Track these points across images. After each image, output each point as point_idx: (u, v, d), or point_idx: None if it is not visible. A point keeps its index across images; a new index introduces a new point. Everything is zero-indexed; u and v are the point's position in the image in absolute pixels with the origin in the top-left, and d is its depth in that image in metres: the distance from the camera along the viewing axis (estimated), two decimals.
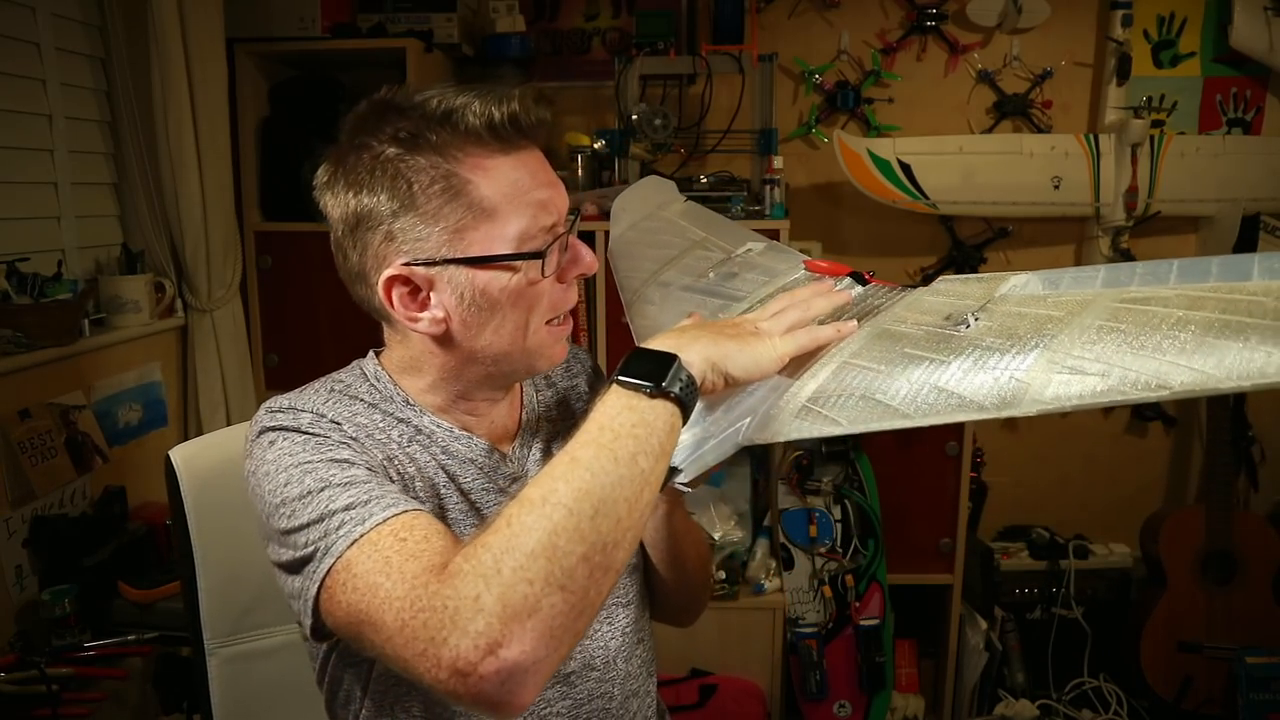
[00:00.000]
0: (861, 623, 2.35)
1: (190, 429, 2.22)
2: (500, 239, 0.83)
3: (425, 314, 0.86)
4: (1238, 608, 2.42)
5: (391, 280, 0.85)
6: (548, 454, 0.98)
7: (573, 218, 0.91)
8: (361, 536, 0.73)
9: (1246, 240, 2.58)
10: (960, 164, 2.57)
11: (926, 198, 2.56)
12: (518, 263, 0.84)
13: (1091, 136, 2.59)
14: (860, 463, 2.37)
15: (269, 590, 1.09)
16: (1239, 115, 2.65)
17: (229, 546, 1.09)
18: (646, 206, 1.28)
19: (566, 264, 0.89)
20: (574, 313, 0.94)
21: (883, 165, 2.55)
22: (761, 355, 0.76)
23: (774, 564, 2.36)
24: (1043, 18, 2.58)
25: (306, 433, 0.83)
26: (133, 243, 2.13)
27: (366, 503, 0.76)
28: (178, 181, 2.06)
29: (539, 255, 0.85)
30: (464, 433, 0.93)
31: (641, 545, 1.04)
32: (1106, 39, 2.60)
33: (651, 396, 0.70)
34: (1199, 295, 0.61)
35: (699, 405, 0.75)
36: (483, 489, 0.93)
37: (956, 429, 2.37)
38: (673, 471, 0.75)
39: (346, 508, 0.75)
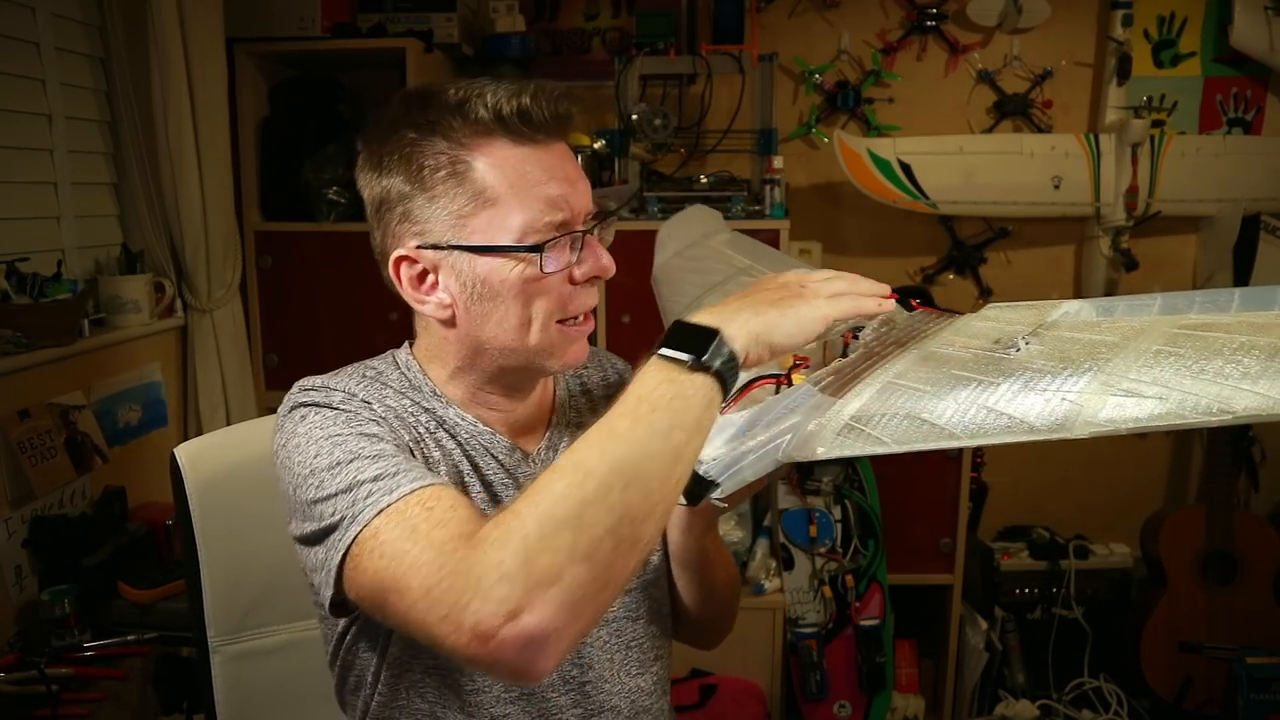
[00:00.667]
0: (861, 623, 2.35)
1: (190, 429, 2.22)
2: (502, 229, 0.84)
3: (432, 298, 0.88)
4: (1238, 608, 2.42)
5: (400, 260, 0.87)
6: None
7: (598, 219, 0.90)
8: (389, 506, 0.74)
9: (1246, 240, 2.58)
10: (960, 164, 2.57)
11: (926, 198, 2.56)
12: (518, 255, 0.84)
13: (1092, 136, 2.59)
14: (860, 463, 2.36)
15: (273, 588, 1.10)
16: (1239, 115, 2.65)
17: (233, 544, 1.10)
18: (691, 236, 1.28)
19: (579, 264, 0.88)
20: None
21: (883, 165, 2.55)
22: (805, 317, 0.75)
23: (774, 564, 2.36)
24: (1043, 18, 2.58)
25: (337, 408, 0.85)
26: (133, 243, 2.13)
27: (395, 474, 0.76)
28: (178, 181, 2.06)
29: (536, 249, 0.84)
30: (486, 429, 0.93)
31: (668, 568, 1.03)
32: (1106, 39, 2.60)
33: (692, 370, 0.69)
34: (1263, 322, 0.60)
35: (737, 421, 0.75)
36: (504, 483, 0.93)
37: None
38: (709, 486, 0.74)
39: (375, 478, 0.76)
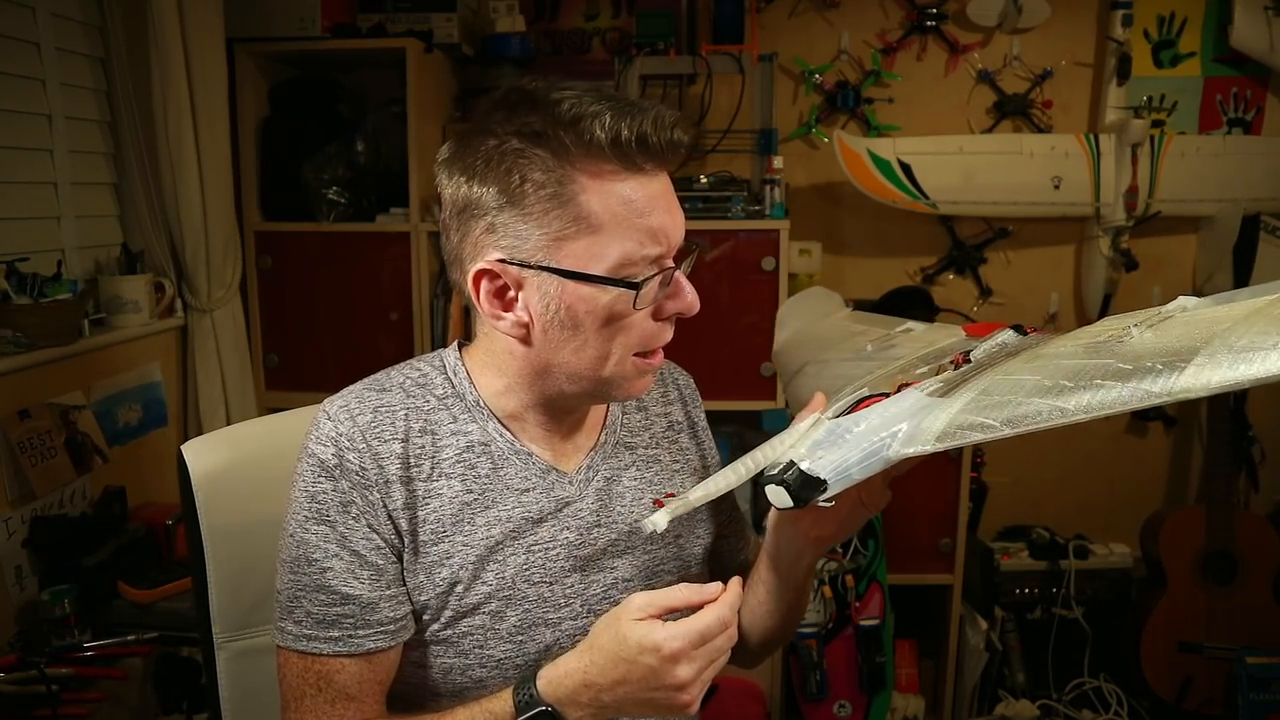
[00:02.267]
0: (861, 623, 2.35)
1: (190, 429, 2.22)
2: (599, 258, 0.80)
3: (509, 315, 0.85)
4: (1238, 608, 2.41)
5: (482, 273, 0.84)
6: (613, 484, 0.95)
7: (693, 252, 0.88)
8: (304, 651, 0.86)
9: (1246, 240, 2.58)
10: (960, 164, 2.57)
11: (926, 198, 2.56)
12: (610, 288, 0.81)
13: (1091, 136, 2.59)
14: None
15: None
16: (1239, 115, 2.65)
17: (239, 541, 1.10)
18: (811, 316, 1.29)
19: (665, 299, 0.85)
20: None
21: (883, 165, 2.54)
22: (671, 716, 0.82)
23: None
24: (1043, 18, 2.58)
25: (313, 491, 0.87)
26: (133, 243, 2.13)
27: (321, 621, 0.86)
28: (178, 181, 2.06)
29: (634, 286, 0.81)
30: (524, 447, 0.91)
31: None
32: (1106, 39, 2.60)
33: None
34: None
35: (845, 424, 0.76)
36: (533, 518, 0.91)
37: None
38: (817, 486, 0.74)
39: (308, 613, 0.86)
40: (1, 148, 1.79)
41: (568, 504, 0.92)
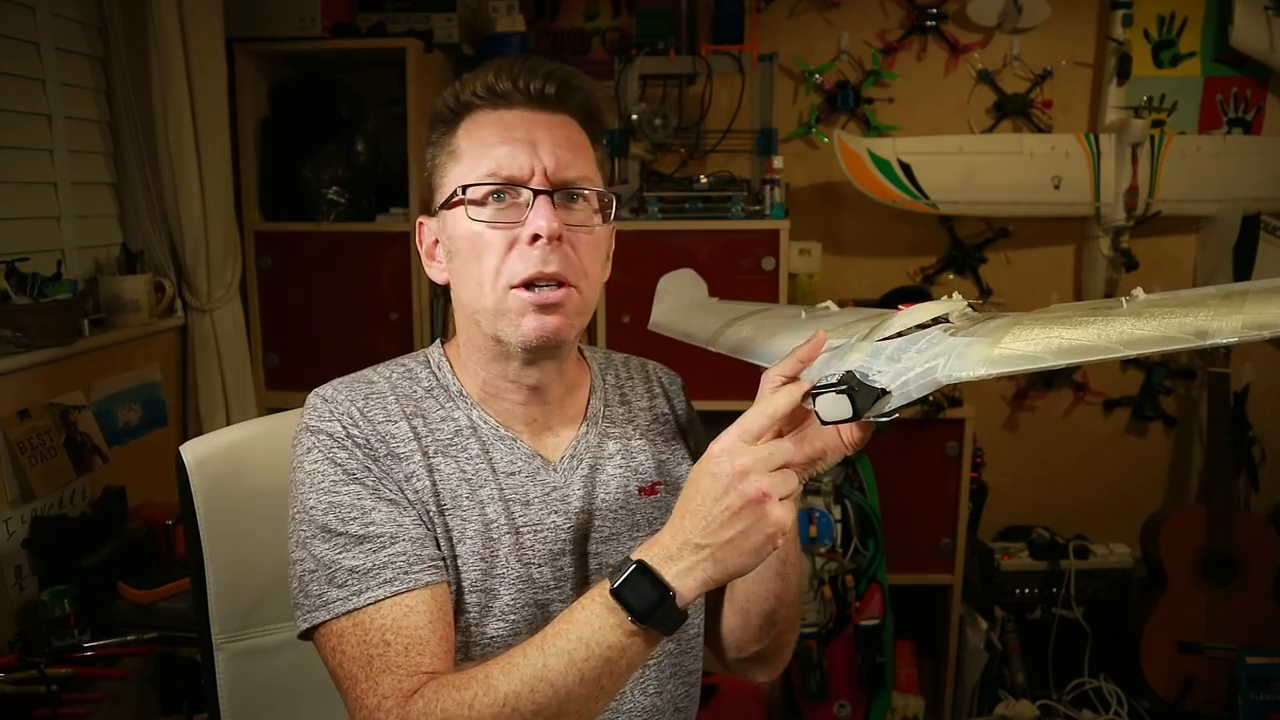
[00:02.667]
0: (862, 623, 2.35)
1: (190, 429, 2.22)
2: (460, 183, 0.88)
3: (435, 262, 0.96)
4: (1238, 608, 2.42)
5: (420, 226, 0.97)
6: (597, 471, 0.96)
7: (607, 201, 0.92)
8: (358, 609, 0.82)
9: (1246, 240, 2.58)
10: (960, 164, 2.57)
11: (926, 198, 2.56)
12: (459, 203, 0.88)
13: (1092, 136, 2.59)
14: (860, 463, 2.36)
15: (277, 586, 1.10)
16: (1239, 115, 2.65)
17: (238, 542, 1.10)
18: (687, 294, 1.32)
19: (523, 224, 0.86)
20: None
21: (883, 165, 2.55)
22: (762, 546, 0.74)
23: None
24: (1043, 18, 2.58)
25: (336, 457, 0.87)
26: (132, 243, 2.13)
27: (368, 571, 0.83)
28: (178, 181, 2.06)
29: (461, 191, 0.87)
30: (508, 432, 0.94)
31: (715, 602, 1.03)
32: (1107, 39, 2.60)
33: (638, 622, 0.74)
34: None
35: (888, 349, 0.76)
36: (521, 500, 0.92)
37: (956, 429, 2.38)
38: (880, 396, 0.73)
39: (352, 569, 0.83)
40: (1, 148, 1.79)
41: (554, 489, 0.93)
